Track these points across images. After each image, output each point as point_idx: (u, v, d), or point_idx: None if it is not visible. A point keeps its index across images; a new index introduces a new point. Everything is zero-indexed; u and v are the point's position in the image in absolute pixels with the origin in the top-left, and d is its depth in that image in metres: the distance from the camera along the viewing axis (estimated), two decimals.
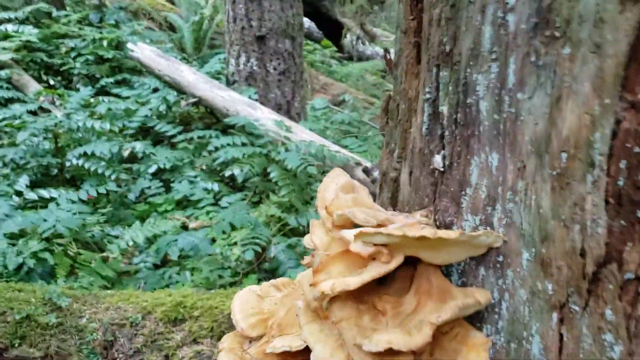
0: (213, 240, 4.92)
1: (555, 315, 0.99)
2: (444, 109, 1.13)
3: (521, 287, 1.04)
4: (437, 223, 1.19)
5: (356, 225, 1.16)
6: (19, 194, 4.90)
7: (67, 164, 5.41)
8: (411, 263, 1.17)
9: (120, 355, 3.40)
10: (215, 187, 5.47)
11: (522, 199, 1.01)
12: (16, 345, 3.11)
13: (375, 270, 1.02)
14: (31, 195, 4.84)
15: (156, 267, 4.83)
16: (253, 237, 4.52)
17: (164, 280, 4.59)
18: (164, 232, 4.93)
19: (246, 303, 1.60)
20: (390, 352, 1.00)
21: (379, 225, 1.13)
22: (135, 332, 3.46)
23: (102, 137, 5.84)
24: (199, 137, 6.02)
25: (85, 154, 5.24)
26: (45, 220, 4.20)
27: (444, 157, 1.15)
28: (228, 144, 5.51)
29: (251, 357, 1.50)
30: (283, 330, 1.55)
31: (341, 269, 1.11)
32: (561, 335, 0.99)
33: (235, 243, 4.76)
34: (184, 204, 5.65)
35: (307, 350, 1.17)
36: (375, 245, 1.05)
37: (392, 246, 1.05)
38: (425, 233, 0.95)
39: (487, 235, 1.02)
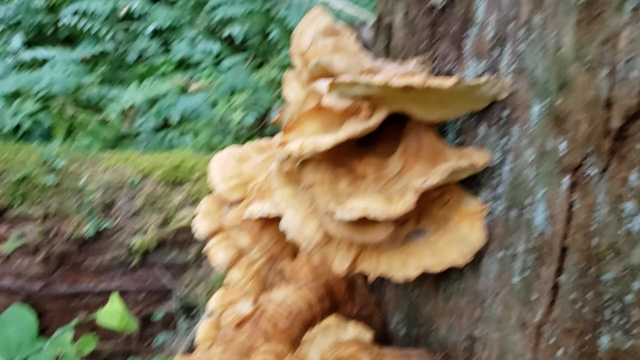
0: (214, 104, 4.75)
1: (566, 180, 0.83)
2: None
3: (528, 146, 0.86)
4: (435, 72, 1.00)
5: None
6: (14, 53, 4.69)
7: (62, 22, 5.13)
8: (401, 121, 1.00)
9: (120, 216, 3.37)
10: (216, 47, 5.20)
11: (539, 38, 0.81)
12: (16, 205, 3.07)
13: (352, 128, 0.85)
14: (25, 56, 4.63)
15: (157, 130, 4.72)
16: (254, 101, 4.34)
17: (164, 144, 4.48)
18: (164, 95, 4.76)
19: (225, 165, 1.45)
20: (367, 220, 0.86)
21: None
22: (134, 194, 3.40)
23: None
24: None
25: (78, 11, 4.94)
26: (39, 80, 4.03)
27: None
28: (227, 1, 5.16)
29: (228, 222, 1.38)
30: (263, 195, 1.41)
31: (315, 127, 0.93)
32: (571, 203, 0.83)
33: (236, 107, 4.60)
34: (184, 65, 5.42)
35: None
36: (354, 98, 0.87)
37: (375, 99, 0.87)
38: (412, 82, 0.76)
39: (490, 83, 0.83)
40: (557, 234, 0.86)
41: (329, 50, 1.01)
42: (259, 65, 5.19)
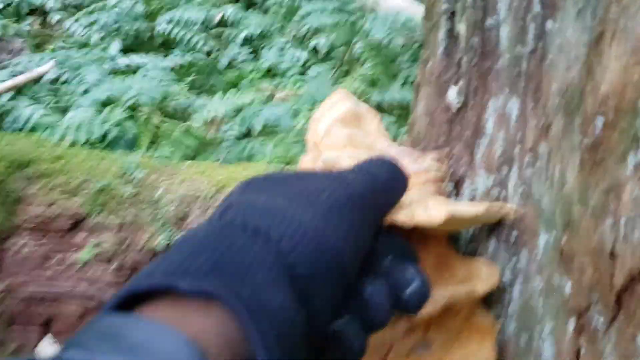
0: (296, 113, 4.79)
1: (572, 321, 0.75)
2: (462, 27, 0.83)
3: (537, 274, 0.79)
4: (451, 171, 0.94)
5: None
6: (112, 59, 4.95)
7: (157, 29, 5.35)
8: None
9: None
10: (303, 56, 5.24)
11: (544, 167, 0.73)
12: (95, 214, 3.25)
13: None
14: (123, 61, 4.87)
15: (240, 138, 4.83)
16: None
17: (246, 152, 4.58)
18: (249, 104, 4.86)
19: None
20: None
21: None
22: (208, 206, 3.50)
23: (192, 1, 5.68)
24: (290, 1, 5.70)
25: (173, 19, 5.13)
26: (130, 88, 4.23)
27: (459, 92, 0.87)
28: (318, 9, 5.18)
29: None
30: None
31: None
32: (579, 348, 0.75)
33: None
34: (272, 72, 5.50)
35: None
36: None
37: None
38: (397, 219, 0.71)
39: (490, 212, 0.76)
40: None
41: (341, 144, 0.97)
42: (344, 75, 5.18)
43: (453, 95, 0.88)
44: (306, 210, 0.54)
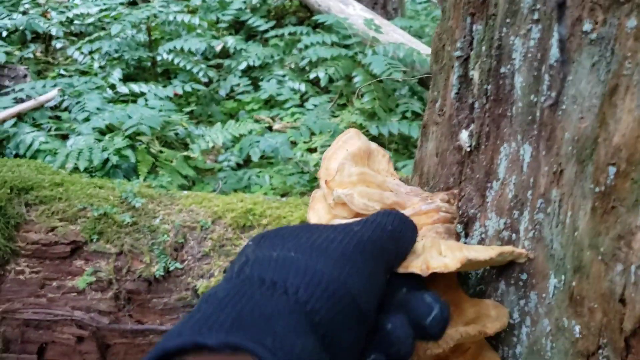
0: (294, 144, 4.83)
1: None
2: (475, 74, 0.86)
3: (546, 316, 0.81)
4: (460, 212, 0.96)
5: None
6: (112, 87, 4.99)
7: (159, 58, 5.41)
8: None
9: (189, 258, 3.47)
10: (302, 87, 5.30)
11: (555, 212, 0.76)
12: (94, 240, 3.25)
13: None
14: (123, 89, 4.91)
15: (239, 166, 4.85)
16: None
17: (243, 181, 4.60)
18: (248, 133, 4.89)
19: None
20: None
21: None
22: (204, 236, 3.50)
23: (193, 32, 5.76)
24: (290, 34, 5.79)
25: (175, 48, 5.19)
26: (130, 117, 4.26)
27: (471, 135, 0.90)
28: (317, 42, 5.25)
29: None
30: None
31: None
32: None
33: (315, 148, 4.65)
34: (270, 103, 5.55)
35: None
36: None
37: None
38: (414, 269, 0.73)
39: (503, 256, 0.78)
40: None
41: (353, 181, 1.00)
42: (342, 106, 5.24)
43: (465, 137, 0.91)
44: (318, 260, 0.57)
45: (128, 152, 3.99)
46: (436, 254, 0.74)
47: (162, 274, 3.23)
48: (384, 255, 0.66)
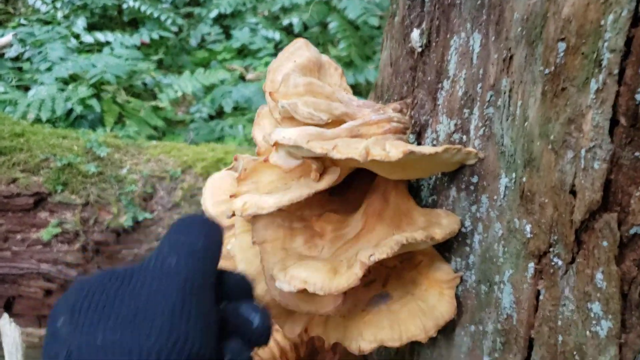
0: None
1: (532, 265, 0.73)
2: None
3: (497, 219, 0.76)
4: (413, 121, 0.91)
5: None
6: (76, 36, 4.82)
7: (125, 6, 5.22)
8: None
9: (159, 208, 3.40)
10: (277, 36, 5.17)
11: (505, 104, 0.70)
12: (59, 191, 3.16)
13: (297, 192, 0.77)
14: (88, 39, 4.75)
15: (211, 117, 4.74)
16: None
17: (216, 132, 4.50)
18: (221, 82, 4.77)
19: (220, 187, 1.40)
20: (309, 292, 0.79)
21: (335, 123, 0.87)
22: (174, 186, 3.42)
23: None
24: None
25: None
26: (94, 66, 4.12)
27: (422, 33, 0.84)
28: None
29: None
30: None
31: (274, 177, 0.86)
32: (537, 292, 0.73)
33: None
34: (244, 52, 5.42)
35: None
36: (304, 157, 0.79)
37: (326, 160, 0.79)
38: (354, 154, 0.68)
39: (450, 152, 0.73)
40: (523, 322, 0.76)
41: (300, 91, 0.93)
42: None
43: (416, 37, 0.85)
44: (150, 334, 0.54)
45: (93, 102, 3.87)
46: (380, 147, 0.69)
47: (131, 224, 3.17)
48: (207, 280, 0.63)
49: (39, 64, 4.17)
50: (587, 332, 0.68)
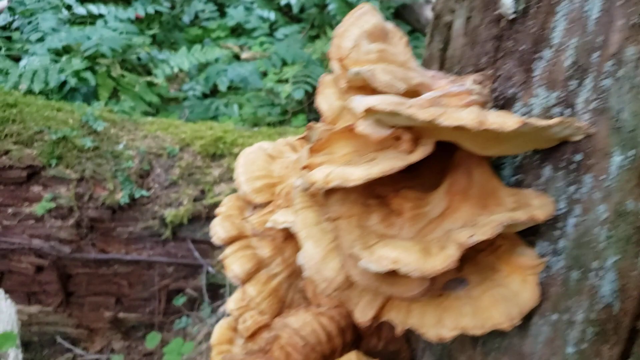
0: (264, 74, 4.63)
1: None
2: None
3: (602, 201, 0.71)
4: (496, 94, 0.85)
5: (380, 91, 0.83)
6: (68, 8, 4.65)
7: None
8: (449, 146, 0.85)
9: (156, 185, 3.30)
10: (272, 16, 5.06)
11: (630, 75, 0.64)
12: (53, 165, 3.04)
13: (389, 163, 0.71)
14: (80, 11, 4.59)
15: (205, 96, 4.63)
16: (305, 75, 4.19)
17: (210, 111, 4.40)
18: (215, 60, 4.66)
19: (253, 163, 1.33)
20: (397, 273, 0.72)
21: (409, 94, 0.80)
22: (172, 164, 3.32)
23: None
24: None
25: None
26: (89, 38, 3.98)
27: None
28: None
29: (250, 227, 1.27)
30: (291, 200, 1.29)
31: (348, 150, 0.80)
32: None
33: (287, 80, 4.46)
34: (238, 31, 5.31)
35: None
36: (393, 126, 0.73)
37: (418, 130, 0.73)
38: (465, 122, 0.61)
39: (563, 125, 0.67)
40: (627, 311, 0.71)
41: (372, 59, 0.86)
42: (314, 38, 5.03)
43: (509, 3, 0.78)
44: None
45: (87, 75, 3.74)
46: (494, 115, 0.62)
47: (127, 201, 3.07)
48: None
49: (30, 34, 4.01)
50: None
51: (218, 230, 1.22)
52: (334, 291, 0.82)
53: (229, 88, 4.57)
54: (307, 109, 4.46)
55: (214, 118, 4.33)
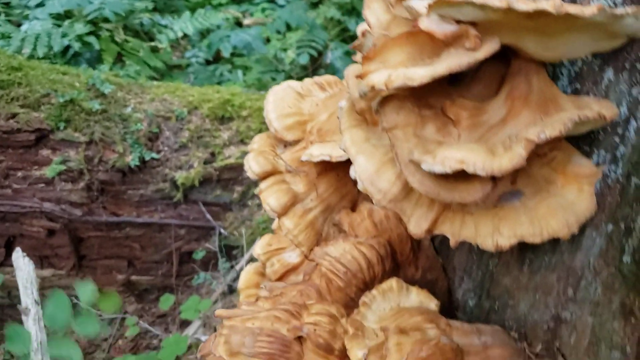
0: (267, 40, 4.58)
1: None
2: None
3: None
4: None
5: None
6: None
7: None
8: (502, 58, 0.83)
9: (165, 148, 3.27)
10: None
11: None
12: (61, 128, 3.01)
13: (455, 59, 0.69)
14: None
15: (208, 62, 4.59)
16: (309, 40, 4.15)
17: (214, 77, 4.36)
18: (217, 27, 4.61)
19: (283, 100, 1.31)
20: (458, 176, 0.71)
21: None
22: (180, 127, 3.29)
23: None
24: None
25: None
26: (90, 2, 3.92)
27: None
28: None
29: (284, 163, 1.25)
30: (323, 136, 1.27)
31: (403, 57, 0.77)
32: None
33: (290, 45, 4.42)
34: None
35: (349, 162, 0.90)
36: (458, 22, 0.71)
37: (485, 26, 0.71)
38: (544, 6, 0.59)
39: (638, 15, 0.65)
40: None
41: None
42: (316, 5, 4.97)
43: None
44: None
45: (91, 39, 3.69)
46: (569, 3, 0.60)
47: (137, 164, 3.04)
48: None
49: (28, 0, 3.95)
50: None
51: (252, 164, 1.20)
52: (389, 202, 0.80)
53: (232, 55, 4.52)
54: (312, 74, 4.42)
55: (219, 84, 4.29)
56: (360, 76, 0.77)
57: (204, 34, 4.65)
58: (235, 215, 3.14)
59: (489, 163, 0.67)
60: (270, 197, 1.16)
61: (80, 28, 3.71)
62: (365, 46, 0.83)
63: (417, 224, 0.81)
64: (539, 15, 0.61)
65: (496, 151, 0.69)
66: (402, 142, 0.76)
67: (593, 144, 0.80)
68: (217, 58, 4.60)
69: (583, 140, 0.82)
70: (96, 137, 3.02)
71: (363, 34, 0.84)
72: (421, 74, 0.68)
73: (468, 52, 0.70)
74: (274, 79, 4.36)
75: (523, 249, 0.95)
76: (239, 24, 4.95)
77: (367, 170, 0.80)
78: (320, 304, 0.98)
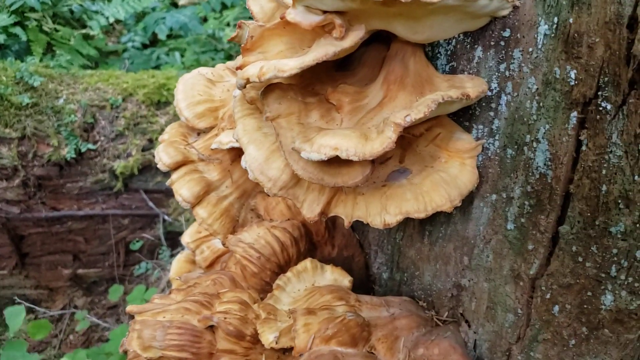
0: (204, 20, 4.51)
1: (574, 115, 0.69)
2: None
3: (531, 74, 0.72)
4: None
5: None
6: None
7: None
8: (387, 41, 0.85)
9: (102, 138, 3.22)
10: None
11: None
12: None
13: (322, 50, 0.70)
14: None
15: (145, 46, 4.50)
16: (247, 17, 4.10)
17: (152, 61, 4.28)
18: (152, 9, 4.52)
19: (193, 88, 1.31)
20: (340, 160, 0.73)
21: None
22: (116, 115, 3.24)
23: None
24: None
25: None
26: None
27: None
28: None
29: (197, 152, 1.25)
30: (234, 122, 1.28)
31: (282, 47, 0.79)
32: (579, 142, 0.70)
33: (228, 23, 4.36)
34: None
35: None
36: (325, 12, 0.72)
37: (350, 15, 0.72)
38: None
39: None
40: (560, 177, 0.74)
41: None
42: None
43: None
44: None
45: (17, 30, 3.57)
46: None
47: (73, 156, 2.99)
48: None
49: None
50: (636, 177, 0.66)
51: (162, 156, 1.20)
52: (280, 190, 0.82)
53: (169, 36, 4.45)
54: None
55: (157, 68, 4.22)
56: (239, 67, 0.77)
57: (139, 17, 4.55)
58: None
59: (360, 148, 0.69)
60: (182, 187, 1.16)
61: (4, 19, 3.58)
62: (243, 37, 0.83)
63: (310, 208, 0.83)
64: (392, 3, 0.62)
65: (369, 135, 0.71)
66: (285, 130, 0.77)
67: (472, 119, 0.84)
68: (154, 41, 4.51)
69: (463, 116, 0.85)
70: (28, 131, 2.95)
71: (239, 26, 0.85)
72: (291, 65, 0.70)
73: (335, 41, 0.71)
74: (212, 59, 4.31)
75: (422, 221, 0.99)
76: (174, 4, 4.86)
77: (257, 160, 0.82)
78: (232, 291, 1.00)
